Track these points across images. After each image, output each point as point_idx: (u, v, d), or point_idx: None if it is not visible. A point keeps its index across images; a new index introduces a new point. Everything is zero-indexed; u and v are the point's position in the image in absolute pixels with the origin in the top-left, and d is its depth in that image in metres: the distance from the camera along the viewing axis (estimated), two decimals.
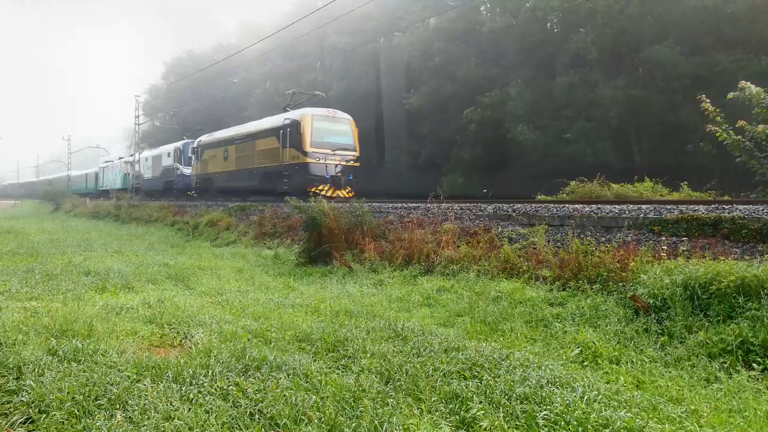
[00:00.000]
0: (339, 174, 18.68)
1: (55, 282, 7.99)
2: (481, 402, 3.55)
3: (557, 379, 3.91)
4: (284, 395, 3.56)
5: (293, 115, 19.76)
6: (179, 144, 32.07)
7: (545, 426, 3.23)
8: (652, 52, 21.90)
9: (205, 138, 27.50)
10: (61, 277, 8.48)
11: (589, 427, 3.18)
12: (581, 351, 4.81)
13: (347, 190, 18.58)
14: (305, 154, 18.39)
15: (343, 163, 18.87)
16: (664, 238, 7.39)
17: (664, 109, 22.05)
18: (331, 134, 19.12)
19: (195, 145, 27.91)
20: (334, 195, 17.64)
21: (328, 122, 19.32)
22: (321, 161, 18.40)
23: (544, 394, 3.60)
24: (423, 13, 31.89)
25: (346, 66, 38.18)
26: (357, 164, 19.36)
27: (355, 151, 19.45)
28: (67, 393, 3.60)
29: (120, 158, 42.78)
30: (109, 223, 27.24)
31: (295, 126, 18.92)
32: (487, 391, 3.71)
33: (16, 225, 22.06)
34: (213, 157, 25.74)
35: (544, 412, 3.34)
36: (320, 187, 17.53)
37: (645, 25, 23.22)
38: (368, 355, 4.56)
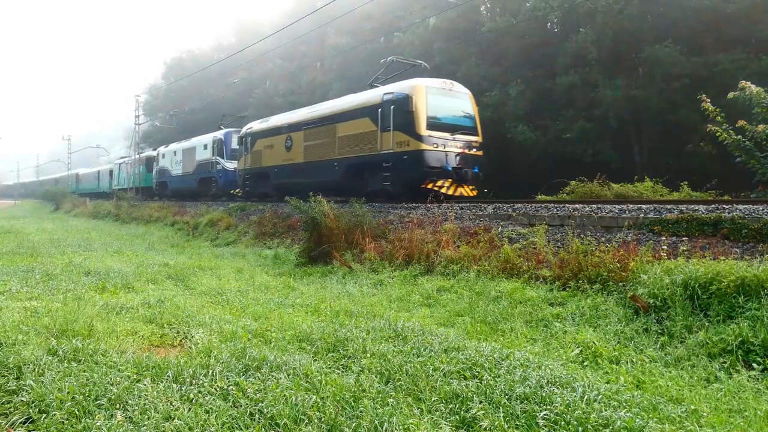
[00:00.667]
0: (462, 165, 14.25)
1: (55, 282, 7.99)
2: (481, 402, 3.55)
3: (557, 379, 3.91)
4: (284, 395, 3.56)
5: (399, 87, 15.02)
6: (220, 134, 27.09)
7: (545, 426, 3.23)
8: (652, 52, 21.90)
9: (256, 125, 22.25)
10: (61, 276, 8.48)
11: (589, 427, 3.18)
12: (581, 351, 4.81)
13: (471, 188, 14.63)
14: (419, 138, 13.81)
15: (466, 150, 14.45)
16: (664, 238, 7.39)
17: (664, 109, 22.05)
18: (450, 113, 14.75)
19: (242, 134, 22.78)
20: (456, 193, 14.12)
21: (445, 97, 14.84)
22: (440, 148, 13.94)
23: (544, 394, 3.60)
24: (423, 13, 31.87)
25: (346, 66, 38.17)
26: (480, 153, 14.99)
27: (477, 135, 15.01)
28: (67, 393, 3.60)
29: (138, 154, 38.29)
30: (109, 222, 27.26)
31: (403, 102, 14.23)
32: (487, 391, 3.71)
33: (16, 225, 22.07)
34: (269, 147, 20.74)
35: (544, 412, 3.34)
36: (439, 183, 13.77)
37: (645, 25, 23.22)
38: (368, 355, 4.56)
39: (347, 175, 16.43)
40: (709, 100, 12.66)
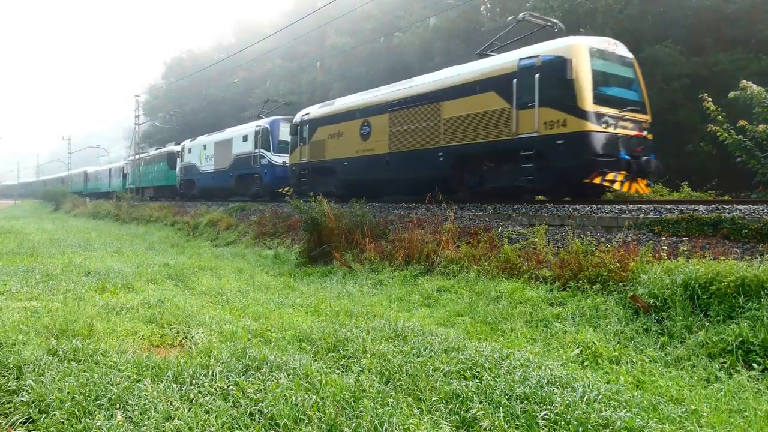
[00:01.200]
0: (639, 152, 10.89)
1: (55, 282, 7.99)
2: (481, 402, 3.55)
3: (557, 379, 3.91)
4: (284, 395, 3.56)
5: (545, 50, 11.35)
6: (264, 122, 22.50)
7: (545, 426, 3.23)
8: (652, 52, 21.89)
9: (315, 110, 18.49)
10: (61, 277, 8.48)
11: (590, 427, 3.18)
12: (581, 351, 4.81)
13: (645, 182, 11.24)
14: (582, 115, 10.39)
15: (638, 132, 11.08)
16: (664, 238, 7.39)
17: (664, 109, 22.00)
18: (618, 82, 11.34)
19: (297, 122, 18.98)
20: (632, 190, 10.96)
21: (610, 61, 11.37)
22: (610, 129, 10.59)
23: (544, 394, 3.60)
24: (423, 13, 31.88)
25: (346, 66, 38.18)
26: (650, 136, 11.50)
27: (647, 113, 11.52)
28: (67, 393, 3.60)
29: (156, 148, 34.81)
30: (109, 223, 27.26)
31: (556, 68, 10.75)
32: (487, 391, 3.71)
33: (16, 225, 22.07)
34: (336, 136, 16.89)
35: (545, 412, 3.34)
36: (610, 176, 10.40)
37: (645, 25, 23.21)
38: (368, 355, 4.56)
39: (457, 167, 13.01)
40: (710, 99, 12.66)
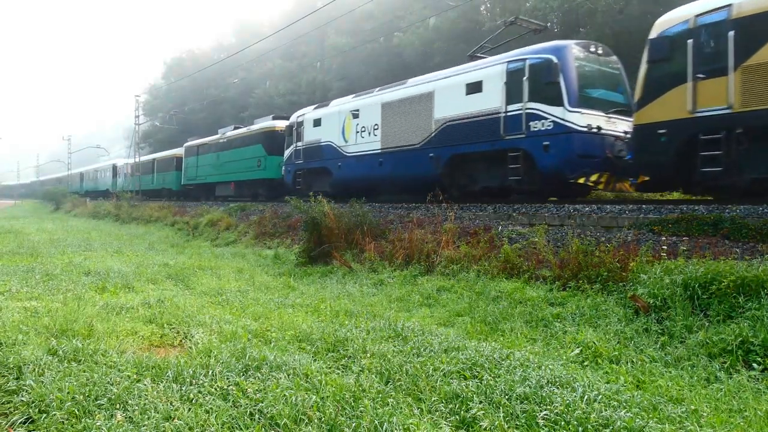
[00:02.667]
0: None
1: (55, 282, 7.99)
2: (481, 402, 3.55)
3: (557, 379, 3.91)
4: (284, 395, 3.56)
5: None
6: (540, 51, 11.90)
7: (545, 426, 3.23)
8: None
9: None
10: (61, 277, 8.48)
11: (590, 427, 3.18)
12: (581, 351, 4.81)
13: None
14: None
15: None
16: (664, 238, 7.39)
17: None
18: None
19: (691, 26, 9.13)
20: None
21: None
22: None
23: (544, 394, 3.60)
24: (423, 13, 31.89)
25: (346, 66, 38.18)
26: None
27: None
28: (67, 393, 3.60)
29: (234, 127, 26.10)
30: (109, 223, 27.27)
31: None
32: (487, 391, 3.71)
33: (16, 225, 22.07)
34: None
35: (545, 412, 3.34)
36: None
37: (645, 25, 23.18)
38: (368, 355, 4.56)
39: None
40: None
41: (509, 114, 11.93)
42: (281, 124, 21.98)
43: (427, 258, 9.03)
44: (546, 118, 11.17)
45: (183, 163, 31.27)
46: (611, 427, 3.16)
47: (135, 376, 3.96)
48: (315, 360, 4.54)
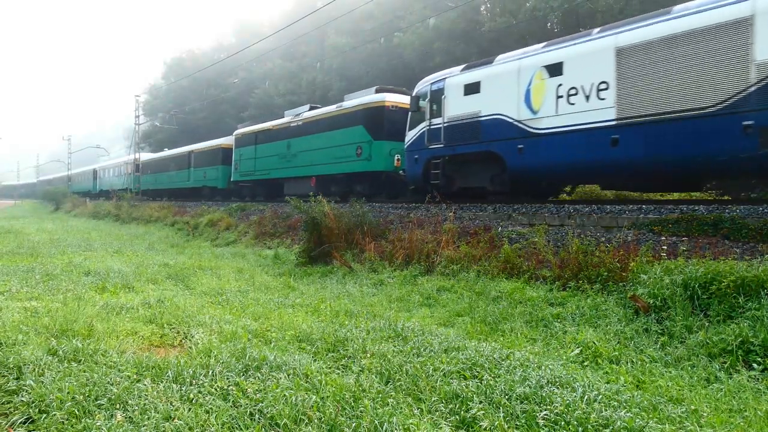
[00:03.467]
0: None
1: (55, 282, 7.99)
2: (481, 402, 3.55)
3: (557, 379, 3.91)
4: (284, 395, 3.56)
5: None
6: None
7: (545, 426, 3.23)
8: None
9: None
10: (61, 277, 8.48)
11: (589, 427, 3.18)
12: (581, 351, 4.81)
13: None
14: None
15: None
16: (664, 238, 7.39)
17: None
18: None
19: None
20: None
21: None
22: None
23: (544, 394, 3.60)
24: (423, 13, 31.89)
25: (346, 66, 38.18)
26: None
27: None
28: (67, 393, 3.60)
29: (310, 107, 20.62)
30: (109, 223, 27.26)
31: None
32: (487, 391, 3.70)
33: (16, 225, 22.07)
34: None
35: (544, 412, 3.34)
36: None
37: None
38: (368, 355, 4.56)
39: None
40: None
41: None
42: (394, 99, 16.65)
43: (427, 258, 9.03)
44: None
45: (233, 155, 25.02)
46: (611, 427, 3.16)
47: (135, 376, 3.96)
48: (315, 360, 4.54)
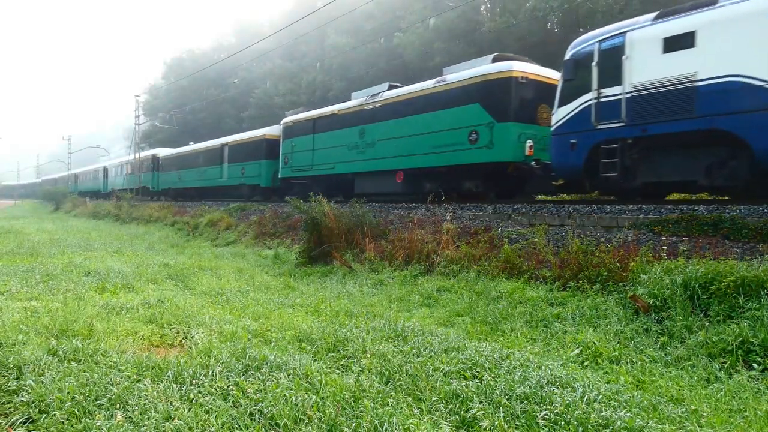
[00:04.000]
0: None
1: (55, 282, 7.99)
2: (481, 402, 3.55)
3: (557, 379, 3.91)
4: (284, 395, 3.56)
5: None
6: None
7: (545, 426, 3.23)
8: None
9: None
10: (61, 277, 8.48)
11: (590, 427, 3.18)
12: (581, 351, 4.81)
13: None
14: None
15: None
16: (664, 238, 7.39)
17: None
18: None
19: None
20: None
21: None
22: None
23: (544, 394, 3.60)
24: (423, 13, 31.90)
25: (346, 66, 38.19)
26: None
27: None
28: (67, 393, 3.60)
29: (390, 86, 16.71)
30: (109, 223, 27.26)
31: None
32: (487, 391, 3.70)
33: (16, 225, 22.07)
34: None
35: (544, 412, 3.34)
36: None
37: None
38: (368, 355, 4.56)
39: None
40: None
41: None
42: (523, 68, 12.95)
43: (427, 258, 9.03)
44: None
45: (282, 147, 20.88)
46: (611, 427, 3.16)
47: (135, 376, 3.95)
48: (315, 360, 4.54)
